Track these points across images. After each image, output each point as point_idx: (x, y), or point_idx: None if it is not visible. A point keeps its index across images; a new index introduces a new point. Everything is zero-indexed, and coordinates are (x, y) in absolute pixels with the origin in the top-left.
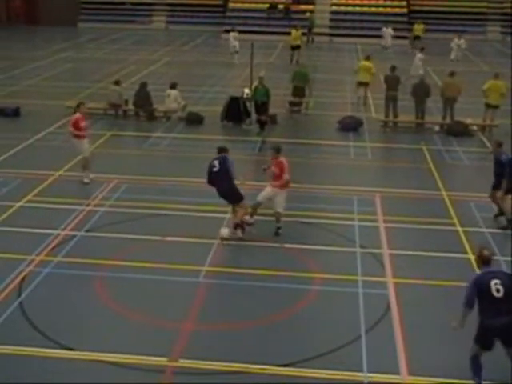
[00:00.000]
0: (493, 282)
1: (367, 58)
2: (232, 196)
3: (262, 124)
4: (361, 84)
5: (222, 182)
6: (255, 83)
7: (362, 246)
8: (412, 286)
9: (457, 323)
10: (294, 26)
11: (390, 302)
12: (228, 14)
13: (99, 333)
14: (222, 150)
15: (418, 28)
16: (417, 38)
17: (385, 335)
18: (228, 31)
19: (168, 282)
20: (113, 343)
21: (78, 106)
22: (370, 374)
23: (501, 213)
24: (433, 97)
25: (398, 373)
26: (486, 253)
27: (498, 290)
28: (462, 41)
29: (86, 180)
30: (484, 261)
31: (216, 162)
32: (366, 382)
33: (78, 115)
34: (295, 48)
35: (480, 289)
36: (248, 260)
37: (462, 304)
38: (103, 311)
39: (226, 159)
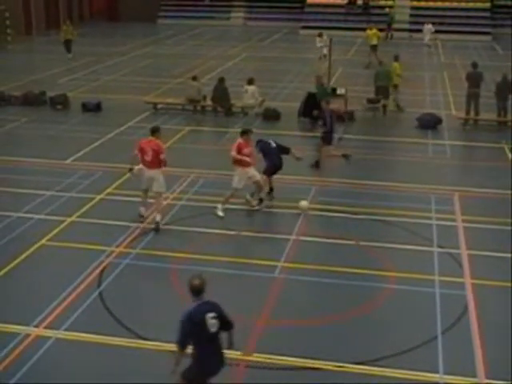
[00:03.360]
0: (208, 315)
1: (396, 59)
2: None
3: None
4: (395, 86)
5: (278, 157)
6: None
7: (439, 246)
8: (491, 287)
9: (173, 366)
10: (368, 25)
11: (468, 303)
12: (306, 9)
13: (172, 324)
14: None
15: None
16: None
17: (462, 337)
18: (309, 28)
19: (243, 276)
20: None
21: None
22: (446, 376)
23: None
24: None
25: (474, 375)
26: (195, 282)
27: (213, 325)
28: (429, 26)
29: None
30: (193, 291)
31: (272, 141)
32: (441, 383)
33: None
34: (373, 47)
35: (195, 324)
36: (323, 256)
37: (177, 342)
38: (178, 303)
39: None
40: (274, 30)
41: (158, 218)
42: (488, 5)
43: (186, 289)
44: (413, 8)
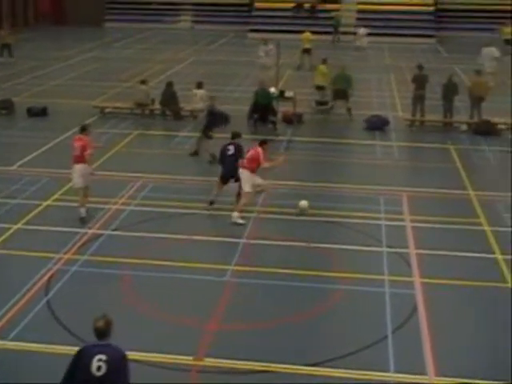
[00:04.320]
0: (97, 357)
1: (324, 62)
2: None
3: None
4: (318, 88)
5: (233, 164)
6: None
7: (388, 246)
8: (439, 286)
9: None
10: (307, 28)
11: (417, 301)
12: (254, 13)
13: (124, 331)
14: (235, 135)
15: (508, 30)
16: (508, 42)
17: (412, 335)
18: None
19: (194, 280)
20: (138, 342)
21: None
22: (397, 375)
23: None
24: (460, 96)
25: (424, 373)
26: (98, 324)
27: (99, 368)
28: (363, 29)
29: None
30: (96, 334)
31: (231, 147)
32: (392, 382)
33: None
34: (306, 51)
35: (80, 362)
36: (274, 259)
37: (64, 378)
38: (129, 310)
39: (240, 146)
40: (221, 33)
41: (84, 213)
42: (432, 8)
43: (137, 295)
44: (359, 11)
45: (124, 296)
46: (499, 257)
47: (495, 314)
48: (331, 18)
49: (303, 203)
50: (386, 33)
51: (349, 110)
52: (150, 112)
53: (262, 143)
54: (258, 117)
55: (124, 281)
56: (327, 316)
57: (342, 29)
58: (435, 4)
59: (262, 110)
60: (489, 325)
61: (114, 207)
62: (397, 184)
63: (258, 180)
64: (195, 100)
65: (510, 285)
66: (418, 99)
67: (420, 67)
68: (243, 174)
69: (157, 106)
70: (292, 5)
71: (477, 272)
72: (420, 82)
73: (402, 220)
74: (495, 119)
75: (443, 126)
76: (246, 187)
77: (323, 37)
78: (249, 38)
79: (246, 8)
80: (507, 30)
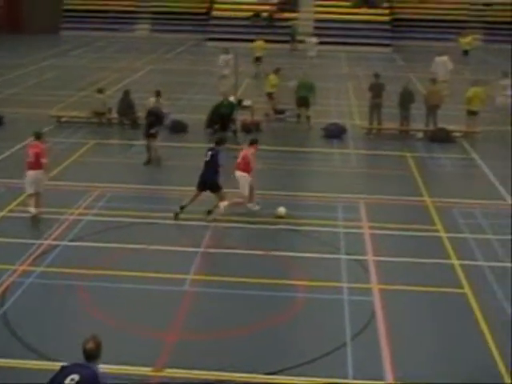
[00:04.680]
0: (70, 377)
1: (276, 71)
2: (212, 185)
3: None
4: (269, 96)
5: (209, 171)
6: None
7: (347, 253)
8: (397, 292)
9: None
10: (259, 36)
11: (375, 308)
12: (211, 21)
13: (81, 343)
14: (218, 142)
15: (465, 41)
16: (465, 52)
17: (370, 342)
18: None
19: (153, 291)
20: None
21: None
22: (356, 381)
23: None
24: (416, 104)
25: (383, 379)
26: (87, 346)
27: None
28: (313, 38)
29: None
30: (85, 355)
31: (209, 153)
32: None
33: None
34: (257, 59)
35: (55, 381)
36: (233, 268)
37: None
38: (87, 321)
39: (216, 154)
40: (179, 41)
41: (33, 210)
42: (388, 18)
43: (94, 306)
44: (317, 20)
45: (81, 307)
46: (455, 263)
47: (452, 319)
48: (289, 27)
49: (281, 210)
50: (343, 41)
51: (308, 118)
52: (107, 121)
53: (253, 142)
54: (220, 126)
55: (81, 292)
56: (286, 324)
57: (299, 37)
58: (391, 13)
59: (224, 119)
60: (446, 331)
61: (71, 218)
62: (354, 191)
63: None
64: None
65: (465, 290)
66: (375, 107)
67: (376, 75)
68: (242, 177)
69: (114, 114)
70: (250, 13)
71: (434, 278)
72: (377, 90)
73: (360, 227)
74: (450, 127)
75: (400, 134)
76: (246, 191)
77: (281, 45)
78: (207, 47)
79: (203, 16)
80: (465, 40)
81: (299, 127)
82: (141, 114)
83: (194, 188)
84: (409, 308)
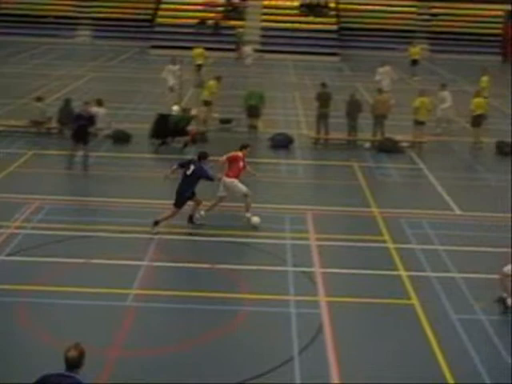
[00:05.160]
0: None
1: (216, 79)
2: (180, 200)
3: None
4: (206, 103)
5: (188, 184)
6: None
7: (294, 265)
8: (344, 304)
9: None
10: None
11: (323, 321)
12: (156, 29)
13: (20, 361)
14: (201, 156)
15: (415, 50)
16: (414, 62)
17: (318, 355)
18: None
19: (94, 306)
20: (35, 371)
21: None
22: None
23: None
24: (363, 114)
25: None
26: (69, 353)
27: None
28: (247, 48)
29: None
30: (67, 363)
31: (192, 166)
32: None
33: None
34: (198, 67)
35: None
36: (178, 282)
37: None
38: (24, 339)
39: (202, 168)
40: (122, 49)
41: None
42: (335, 27)
43: (33, 324)
44: (263, 29)
45: (19, 325)
46: (403, 274)
47: (400, 331)
48: (234, 35)
49: (255, 219)
50: (290, 50)
51: (255, 127)
52: (47, 130)
53: (243, 147)
54: (170, 137)
55: (19, 309)
56: (232, 339)
57: (246, 46)
58: (338, 22)
59: (177, 130)
60: (394, 343)
61: (8, 231)
62: (302, 202)
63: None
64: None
65: (413, 301)
66: (322, 117)
67: (324, 85)
68: (233, 183)
69: (54, 124)
70: (195, 21)
71: (381, 290)
72: (324, 99)
73: (307, 239)
74: (398, 137)
75: (347, 144)
76: (243, 189)
77: (227, 54)
78: (151, 55)
79: (147, 23)
80: (415, 50)
81: (245, 137)
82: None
83: (135, 200)
84: (356, 320)
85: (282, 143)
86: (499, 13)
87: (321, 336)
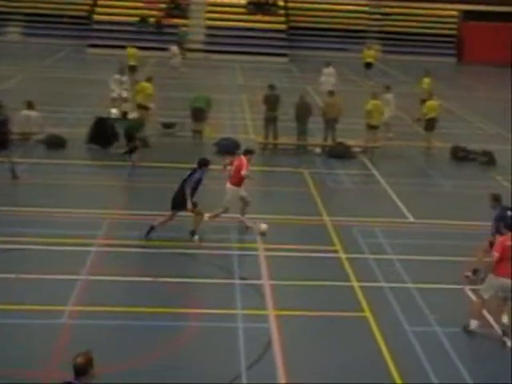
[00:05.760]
0: None
1: (148, 80)
2: (178, 204)
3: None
4: (142, 107)
5: (180, 191)
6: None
7: (241, 278)
8: (295, 317)
9: None
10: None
11: (272, 335)
12: (94, 26)
13: None
14: (202, 163)
15: (369, 53)
16: (368, 65)
17: (267, 371)
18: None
19: (25, 325)
20: None
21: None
22: None
23: None
24: (313, 117)
25: None
26: (76, 360)
27: None
28: (174, 47)
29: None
30: (74, 370)
31: (194, 173)
32: None
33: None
34: (131, 69)
35: None
36: (118, 297)
37: None
38: None
39: (194, 174)
40: (57, 47)
41: None
42: (284, 26)
43: None
44: (208, 28)
45: None
46: (356, 285)
47: (353, 344)
48: (176, 34)
49: (264, 227)
50: (237, 50)
51: (200, 132)
52: None
53: (247, 152)
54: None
55: None
56: (176, 357)
57: (189, 45)
58: (287, 21)
59: (130, 136)
60: (346, 356)
61: None
62: (249, 211)
63: (243, 192)
64: (25, 122)
65: (366, 314)
66: (270, 121)
67: (272, 87)
68: (232, 189)
69: None
70: (136, 18)
71: (333, 302)
72: (272, 102)
73: (255, 249)
74: (350, 142)
75: (297, 149)
76: (224, 202)
77: (169, 53)
78: (89, 54)
79: (84, 20)
80: (369, 52)
81: (189, 142)
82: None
83: (70, 209)
84: (307, 334)
85: (229, 148)
86: (454, 13)
87: (270, 351)
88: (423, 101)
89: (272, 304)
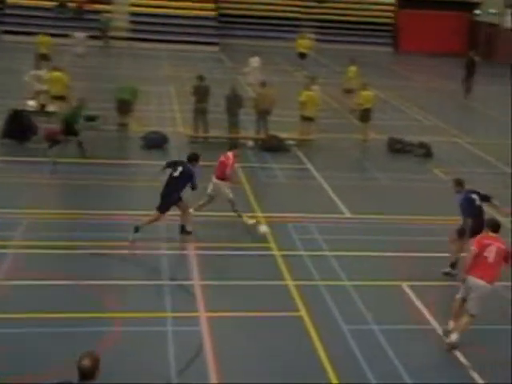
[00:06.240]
0: None
1: (55, 69)
2: (164, 204)
3: (53, 143)
4: (58, 98)
5: (174, 189)
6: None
7: (170, 279)
8: (227, 319)
9: None
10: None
11: (204, 339)
12: (7, 11)
13: None
14: (191, 158)
15: (303, 43)
16: (302, 55)
17: (198, 377)
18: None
19: None
20: None
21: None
22: None
23: None
24: (245, 109)
25: None
26: (82, 362)
27: None
28: (81, 34)
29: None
30: (79, 373)
31: (180, 168)
32: None
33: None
34: (43, 57)
35: None
36: (34, 302)
37: None
38: None
39: (189, 170)
40: None
41: None
42: (214, 13)
43: None
44: (133, 14)
45: None
46: (290, 283)
47: (288, 345)
48: (99, 20)
49: (264, 228)
50: (164, 39)
51: (126, 125)
52: None
53: (232, 148)
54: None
55: None
56: (102, 364)
57: (113, 33)
58: (217, 8)
59: (69, 128)
60: (281, 358)
61: None
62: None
63: (226, 189)
64: None
65: (302, 313)
66: (200, 113)
67: (201, 78)
68: (219, 185)
69: None
70: (54, 3)
71: (267, 302)
72: (201, 94)
73: (185, 248)
74: (283, 134)
75: (228, 142)
76: (229, 194)
77: (91, 42)
78: (3, 41)
79: None
80: (302, 42)
81: (114, 136)
82: None
83: None
84: (240, 336)
85: (156, 142)
86: (390, 0)
87: (201, 356)
88: (348, 90)
89: (203, 305)
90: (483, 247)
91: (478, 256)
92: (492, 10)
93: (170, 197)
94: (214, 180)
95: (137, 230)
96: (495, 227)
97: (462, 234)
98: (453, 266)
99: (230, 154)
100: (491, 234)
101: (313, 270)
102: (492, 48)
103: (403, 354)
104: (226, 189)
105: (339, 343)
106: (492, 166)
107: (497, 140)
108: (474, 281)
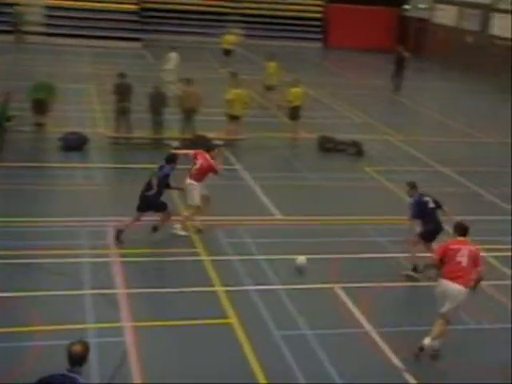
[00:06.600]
0: None
1: None
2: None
3: None
4: None
5: (153, 192)
6: None
7: (92, 287)
8: (153, 328)
9: None
10: None
11: (128, 350)
12: None
13: None
14: (168, 159)
15: (228, 40)
16: (227, 52)
17: None
18: None
19: None
20: None
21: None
22: None
23: None
24: (170, 108)
25: None
26: (73, 348)
27: None
28: None
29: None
30: (70, 359)
31: (165, 171)
32: None
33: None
34: None
35: None
36: None
37: None
38: None
39: (163, 169)
40: None
41: None
42: (136, 7)
43: None
44: (48, 8)
45: None
46: (219, 289)
47: (217, 355)
48: (11, 14)
49: (302, 259)
50: (83, 34)
51: (42, 125)
52: None
53: (210, 149)
54: None
55: None
56: (22, 381)
57: (27, 28)
58: (140, 2)
59: None
60: (211, 368)
61: None
62: (100, 213)
63: (204, 191)
64: None
65: (231, 320)
66: (122, 112)
67: (122, 75)
68: (192, 185)
69: None
70: None
71: (195, 309)
72: (123, 92)
73: (108, 255)
74: (210, 134)
75: (152, 143)
76: (196, 200)
77: (3, 37)
78: None
79: None
80: (228, 38)
81: (30, 137)
82: None
83: None
84: (167, 346)
85: (75, 144)
86: None
87: (125, 367)
88: (268, 87)
89: (127, 315)
90: (454, 252)
91: (450, 262)
92: (421, 5)
93: (144, 198)
94: (188, 181)
95: (120, 232)
96: (463, 231)
97: (424, 237)
98: (415, 269)
99: (206, 155)
100: (459, 238)
101: (242, 274)
102: (421, 43)
103: (336, 358)
104: (197, 193)
105: (271, 349)
106: (424, 163)
107: (428, 137)
108: (449, 285)
